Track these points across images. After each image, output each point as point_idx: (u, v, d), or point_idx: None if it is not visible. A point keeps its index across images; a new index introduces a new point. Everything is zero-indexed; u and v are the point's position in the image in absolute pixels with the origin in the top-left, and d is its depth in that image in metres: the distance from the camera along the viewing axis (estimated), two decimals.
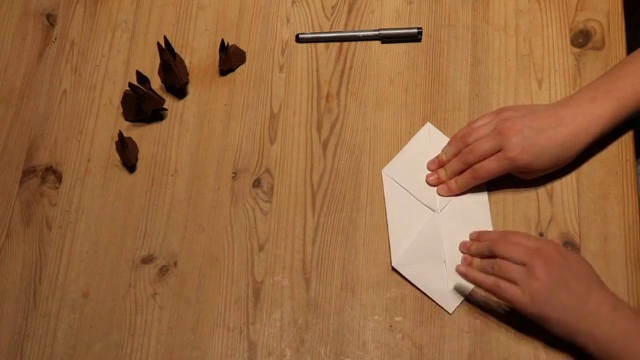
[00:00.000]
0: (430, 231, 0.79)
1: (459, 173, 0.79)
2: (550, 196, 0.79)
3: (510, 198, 0.80)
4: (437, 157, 0.81)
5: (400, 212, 0.80)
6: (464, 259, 0.77)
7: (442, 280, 0.77)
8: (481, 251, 0.75)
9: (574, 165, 0.80)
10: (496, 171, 0.76)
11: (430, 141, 0.82)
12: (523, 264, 0.69)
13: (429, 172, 0.81)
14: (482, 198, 0.80)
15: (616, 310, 0.68)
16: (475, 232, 0.78)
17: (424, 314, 0.76)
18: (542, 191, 0.79)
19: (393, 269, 0.78)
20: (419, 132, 0.83)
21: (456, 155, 0.79)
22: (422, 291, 0.77)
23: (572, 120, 0.74)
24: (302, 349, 0.76)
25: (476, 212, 0.79)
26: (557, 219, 0.78)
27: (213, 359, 0.76)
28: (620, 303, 0.69)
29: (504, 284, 0.70)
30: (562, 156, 0.75)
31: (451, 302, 0.76)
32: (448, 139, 0.82)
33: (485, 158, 0.76)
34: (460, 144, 0.79)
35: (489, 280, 0.71)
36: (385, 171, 0.82)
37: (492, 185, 0.80)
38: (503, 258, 0.71)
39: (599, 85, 0.76)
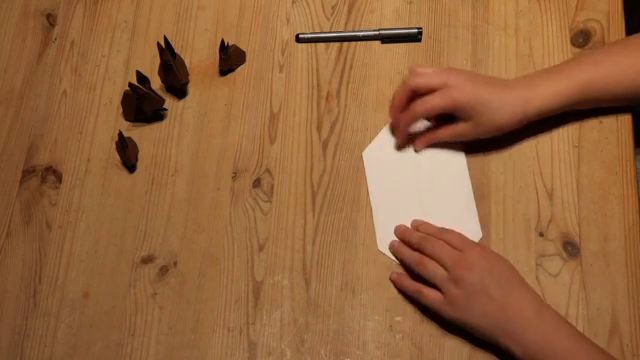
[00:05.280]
0: (414, 211, 0.80)
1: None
2: (550, 196, 0.79)
3: (510, 198, 0.79)
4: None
5: (384, 193, 0.81)
6: (395, 245, 0.78)
7: None
8: (413, 243, 0.76)
9: (574, 165, 0.80)
10: (437, 104, 0.76)
11: None
12: (447, 269, 0.72)
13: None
14: (460, 160, 0.81)
15: (539, 314, 0.69)
16: (416, 221, 0.79)
17: (424, 314, 0.76)
18: (542, 191, 0.79)
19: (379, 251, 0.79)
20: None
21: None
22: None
23: (519, 84, 0.77)
24: (302, 349, 0.76)
25: (456, 183, 0.80)
26: (557, 219, 0.78)
27: (213, 359, 0.76)
28: (543, 307, 0.70)
29: (426, 291, 0.74)
30: (501, 109, 0.75)
31: None
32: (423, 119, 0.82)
33: (433, 113, 0.77)
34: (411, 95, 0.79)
35: (413, 287, 0.75)
36: (366, 152, 0.82)
37: (492, 185, 0.80)
38: (431, 257, 0.74)
39: (554, 69, 0.79)
